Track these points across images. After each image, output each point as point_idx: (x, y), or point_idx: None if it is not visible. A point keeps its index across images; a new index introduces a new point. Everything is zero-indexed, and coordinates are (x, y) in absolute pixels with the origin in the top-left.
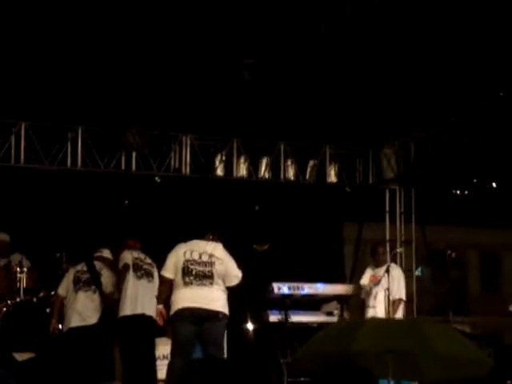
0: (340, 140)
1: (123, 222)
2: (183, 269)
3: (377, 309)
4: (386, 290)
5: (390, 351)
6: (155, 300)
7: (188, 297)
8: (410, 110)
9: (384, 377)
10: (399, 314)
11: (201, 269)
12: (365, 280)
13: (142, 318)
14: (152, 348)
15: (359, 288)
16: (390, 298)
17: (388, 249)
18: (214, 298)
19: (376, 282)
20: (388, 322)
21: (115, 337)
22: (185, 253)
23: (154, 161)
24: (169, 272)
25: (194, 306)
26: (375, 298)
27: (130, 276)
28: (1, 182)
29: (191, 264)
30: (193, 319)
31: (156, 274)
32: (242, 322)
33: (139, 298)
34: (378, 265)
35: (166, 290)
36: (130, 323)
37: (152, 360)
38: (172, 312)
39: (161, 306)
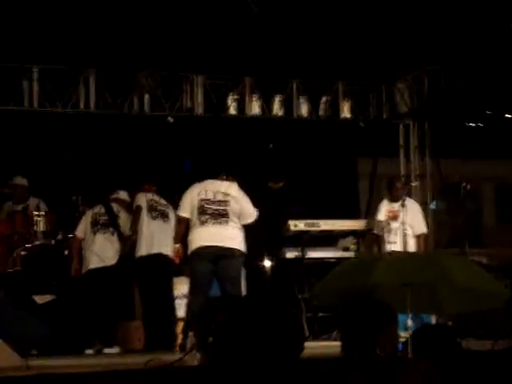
0: (353, 75)
1: (138, 164)
2: (198, 208)
3: (397, 244)
4: (405, 225)
5: (409, 284)
6: (171, 240)
7: (204, 236)
8: (423, 43)
9: (402, 310)
10: (423, 247)
11: (216, 207)
12: (381, 215)
13: (159, 258)
14: (170, 287)
15: (374, 222)
16: (412, 232)
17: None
18: (229, 236)
19: (394, 217)
20: (406, 256)
21: (133, 277)
22: (199, 192)
23: (166, 102)
24: (184, 211)
25: (210, 244)
26: (395, 233)
27: (145, 217)
28: (15, 127)
29: (206, 203)
30: (210, 257)
31: (172, 215)
32: (258, 259)
33: (155, 238)
34: (394, 199)
35: (183, 229)
36: (146, 263)
37: (170, 299)
38: (189, 251)
39: (178, 245)
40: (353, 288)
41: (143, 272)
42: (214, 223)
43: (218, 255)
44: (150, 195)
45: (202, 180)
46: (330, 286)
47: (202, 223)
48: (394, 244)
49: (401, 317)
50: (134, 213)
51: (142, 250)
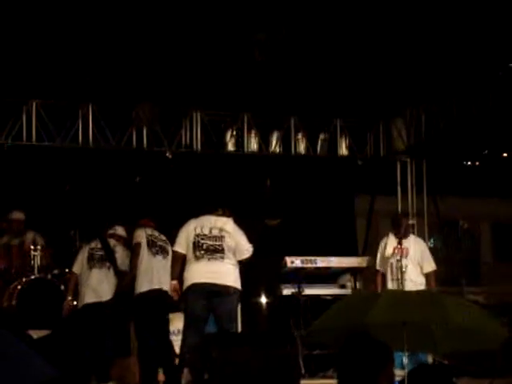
0: (350, 113)
1: (135, 199)
2: (194, 243)
3: (406, 282)
4: (414, 262)
5: (405, 323)
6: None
7: (199, 272)
8: (420, 81)
9: (398, 348)
10: (434, 284)
11: (211, 243)
12: (389, 251)
13: (159, 293)
14: (168, 323)
15: (378, 259)
16: (421, 269)
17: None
18: (224, 273)
19: (403, 254)
20: (403, 294)
21: (131, 313)
22: (195, 228)
23: (165, 137)
24: (180, 247)
25: (205, 281)
26: (406, 270)
27: (145, 252)
28: (13, 161)
29: (202, 239)
30: (205, 294)
31: (170, 251)
32: (255, 295)
33: (155, 274)
34: (401, 236)
35: (179, 265)
36: (147, 299)
37: (167, 334)
38: (185, 287)
39: (175, 282)
40: (349, 326)
41: (144, 307)
42: (209, 259)
43: (213, 292)
44: (149, 231)
45: (198, 216)
46: (327, 324)
47: (197, 258)
48: (397, 281)
49: (396, 354)
50: (134, 249)
51: (144, 285)
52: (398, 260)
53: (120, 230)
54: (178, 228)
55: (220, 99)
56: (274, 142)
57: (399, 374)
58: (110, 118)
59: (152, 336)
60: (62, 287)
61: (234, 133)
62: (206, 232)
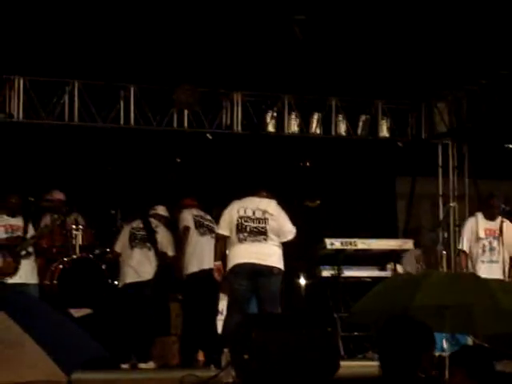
0: (392, 94)
1: (176, 180)
2: (237, 225)
3: (496, 264)
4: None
5: (448, 306)
6: None
7: (243, 253)
8: (462, 63)
9: (439, 330)
10: None
11: (254, 225)
12: (481, 232)
13: (209, 273)
14: (216, 302)
15: (465, 240)
16: (509, 252)
17: (441, 203)
18: (268, 254)
19: (494, 235)
20: (449, 277)
21: (172, 293)
22: (238, 210)
23: (205, 118)
24: (223, 229)
25: (248, 261)
26: (498, 252)
27: (194, 233)
28: (55, 141)
29: (245, 221)
30: (248, 275)
31: None
32: (294, 277)
33: (205, 254)
34: (490, 217)
35: (222, 246)
36: (197, 279)
37: (215, 314)
38: (228, 268)
39: (218, 263)
40: (392, 309)
41: (194, 288)
42: (252, 241)
43: (256, 272)
44: (195, 211)
45: (242, 197)
46: (369, 306)
47: (241, 240)
48: (489, 264)
49: (436, 336)
50: (183, 232)
51: (193, 266)
52: (490, 242)
53: (161, 210)
54: (218, 210)
55: (260, 80)
56: (314, 124)
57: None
58: (151, 99)
59: (199, 316)
60: (104, 266)
61: (275, 114)
62: (250, 214)
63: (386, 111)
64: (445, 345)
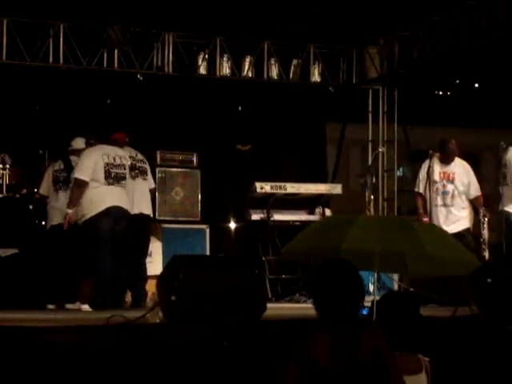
0: (324, 39)
1: (106, 120)
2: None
3: (452, 208)
4: (460, 187)
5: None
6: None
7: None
8: (395, 8)
9: (369, 269)
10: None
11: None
12: (435, 175)
13: (140, 217)
14: (147, 244)
15: (419, 182)
16: (467, 195)
17: (370, 149)
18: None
19: (449, 179)
20: (380, 220)
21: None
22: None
23: (136, 59)
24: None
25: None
26: (452, 196)
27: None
28: None
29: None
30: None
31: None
32: (224, 220)
33: (135, 198)
34: (446, 161)
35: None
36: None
37: (144, 258)
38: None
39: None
40: (324, 249)
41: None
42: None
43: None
44: (127, 152)
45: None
46: (302, 244)
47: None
48: (445, 207)
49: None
50: None
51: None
52: (443, 185)
53: (78, 143)
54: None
55: (193, 22)
56: (246, 67)
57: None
58: (81, 38)
59: (128, 257)
60: (31, 207)
61: (206, 56)
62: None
63: (317, 56)
64: (371, 288)
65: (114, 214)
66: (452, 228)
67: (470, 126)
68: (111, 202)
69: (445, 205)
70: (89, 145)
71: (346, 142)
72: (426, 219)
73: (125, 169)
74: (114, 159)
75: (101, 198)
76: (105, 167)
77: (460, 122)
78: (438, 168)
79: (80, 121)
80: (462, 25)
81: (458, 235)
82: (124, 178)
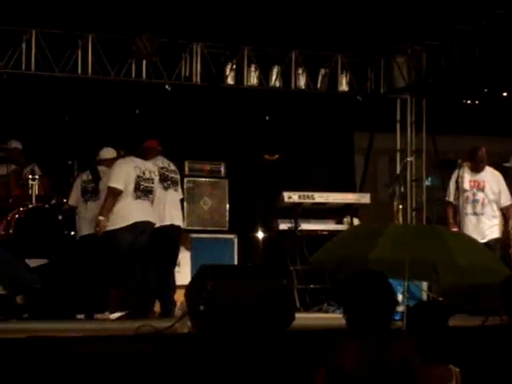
0: (352, 48)
1: (134, 130)
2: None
3: (482, 216)
4: (490, 196)
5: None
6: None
7: None
8: (422, 17)
9: (398, 277)
10: None
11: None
12: (466, 184)
13: (169, 227)
14: (176, 254)
15: (450, 191)
16: (498, 204)
17: (398, 158)
18: None
19: (479, 187)
20: (409, 229)
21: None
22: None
23: (164, 69)
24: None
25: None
26: (482, 204)
27: (157, 187)
28: (12, 90)
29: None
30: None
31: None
32: (252, 230)
33: (166, 208)
34: (477, 169)
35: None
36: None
37: (173, 268)
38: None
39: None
40: (353, 259)
41: (152, 242)
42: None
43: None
44: (159, 163)
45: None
46: (330, 254)
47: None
48: (475, 216)
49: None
50: None
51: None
52: (474, 194)
53: (106, 153)
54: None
55: (220, 32)
56: (274, 77)
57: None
58: (109, 49)
59: (157, 268)
60: (60, 217)
61: (234, 66)
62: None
63: (345, 65)
64: (400, 298)
65: (140, 228)
66: (482, 237)
67: (499, 134)
68: (138, 217)
69: (475, 213)
70: (120, 156)
71: (374, 152)
72: (455, 229)
73: (153, 183)
74: (144, 173)
75: (129, 211)
76: (136, 180)
77: (488, 130)
78: (468, 176)
79: (108, 131)
80: (490, 34)
81: (487, 245)
82: (151, 192)
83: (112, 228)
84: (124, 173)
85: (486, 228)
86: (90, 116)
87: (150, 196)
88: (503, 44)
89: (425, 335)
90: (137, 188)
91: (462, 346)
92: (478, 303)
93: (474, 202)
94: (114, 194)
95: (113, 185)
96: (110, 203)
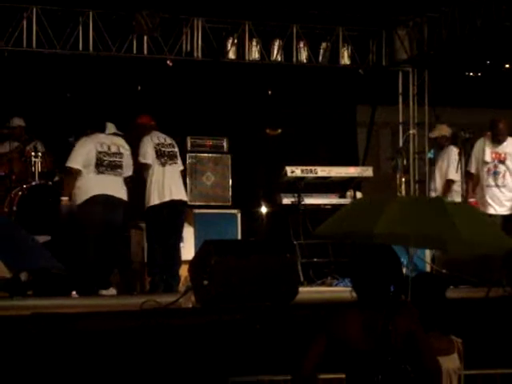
0: (353, 21)
1: (136, 106)
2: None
3: (503, 188)
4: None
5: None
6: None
7: None
8: None
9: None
10: None
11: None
12: (487, 156)
13: (174, 203)
14: (180, 231)
15: (472, 161)
16: None
17: (401, 131)
18: None
19: (500, 159)
20: (413, 202)
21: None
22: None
23: (165, 45)
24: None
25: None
26: (503, 176)
27: (154, 164)
28: (13, 67)
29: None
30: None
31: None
32: (255, 205)
33: (166, 184)
34: (497, 141)
35: None
36: (159, 210)
37: (178, 244)
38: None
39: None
40: (357, 232)
41: (156, 219)
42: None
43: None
44: (155, 139)
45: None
46: (333, 227)
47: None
48: (496, 188)
49: None
50: (142, 169)
51: (155, 199)
52: (495, 165)
53: (111, 129)
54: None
55: (221, 7)
56: (275, 51)
57: None
58: (110, 25)
59: (163, 245)
60: None
61: (235, 41)
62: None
63: (346, 38)
64: (404, 270)
65: (103, 202)
66: (503, 210)
67: (501, 106)
68: (97, 191)
69: (496, 185)
70: (85, 135)
71: (377, 125)
72: (472, 200)
73: (122, 157)
74: (110, 147)
75: (89, 186)
76: (97, 155)
77: (490, 102)
78: (489, 148)
79: (110, 107)
80: (491, 5)
81: (508, 218)
82: (120, 167)
83: (76, 204)
84: (83, 151)
85: (506, 200)
86: (91, 92)
87: (119, 170)
88: (505, 15)
89: (424, 306)
90: (99, 163)
91: (465, 316)
92: (481, 275)
93: (496, 173)
94: (71, 173)
95: (68, 164)
96: (67, 182)
